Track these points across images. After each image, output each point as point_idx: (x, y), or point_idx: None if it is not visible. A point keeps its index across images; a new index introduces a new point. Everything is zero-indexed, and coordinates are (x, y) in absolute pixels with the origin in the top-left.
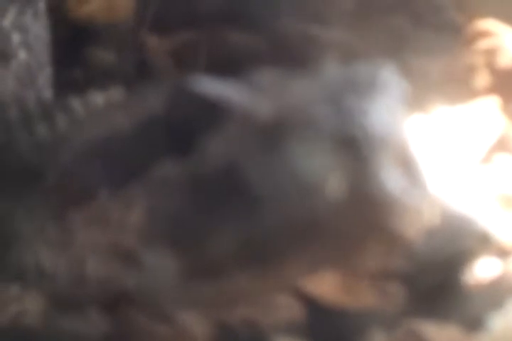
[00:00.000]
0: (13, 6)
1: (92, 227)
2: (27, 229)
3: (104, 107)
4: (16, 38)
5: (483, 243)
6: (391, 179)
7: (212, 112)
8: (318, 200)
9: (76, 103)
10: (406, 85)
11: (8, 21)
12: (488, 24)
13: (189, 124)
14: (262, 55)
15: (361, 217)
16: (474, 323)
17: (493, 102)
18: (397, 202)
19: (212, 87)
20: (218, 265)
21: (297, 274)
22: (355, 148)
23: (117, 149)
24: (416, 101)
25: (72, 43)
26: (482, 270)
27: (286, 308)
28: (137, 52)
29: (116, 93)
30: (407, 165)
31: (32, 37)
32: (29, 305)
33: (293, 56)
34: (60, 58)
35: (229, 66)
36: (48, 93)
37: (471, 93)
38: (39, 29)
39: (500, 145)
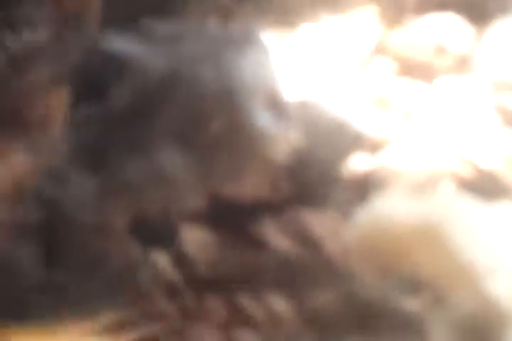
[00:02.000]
0: None
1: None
2: None
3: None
4: None
5: (357, 141)
6: (262, 118)
7: (119, 66)
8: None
9: (10, 41)
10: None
11: None
12: None
13: (101, 75)
14: None
15: (240, 148)
16: (346, 212)
17: (371, 10)
18: (267, 134)
19: (119, 44)
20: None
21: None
22: (231, 96)
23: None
24: (303, 7)
25: None
26: (355, 164)
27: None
28: None
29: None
30: (275, 105)
31: None
32: None
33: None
34: None
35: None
36: None
37: (352, 3)
38: None
39: (378, 50)
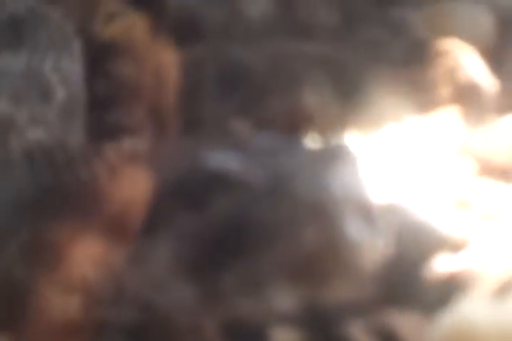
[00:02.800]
0: (52, 51)
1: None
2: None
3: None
4: (55, 80)
5: (441, 242)
6: (353, 228)
7: (220, 181)
8: (301, 246)
9: (110, 150)
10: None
11: (48, 65)
12: (450, 42)
13: (201, 189)
14: (260, 72)
15: (332, 256)
16: (431, 314)
17: (454, 112)
18: (357, 244)
19: (220, 161)
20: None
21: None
22: (326, 207)
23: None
24: (389, 107)
25: (94, 59)
26: (439, 266)
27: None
28: (153, 67)
29: (142, 143)
30: (365, 214)
31: (69, 78)
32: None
33: (286, 73)
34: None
35: (232, 80)
36: (81, 135)
37: (436, 103)
38: (75, 70)
39: (461, 151)
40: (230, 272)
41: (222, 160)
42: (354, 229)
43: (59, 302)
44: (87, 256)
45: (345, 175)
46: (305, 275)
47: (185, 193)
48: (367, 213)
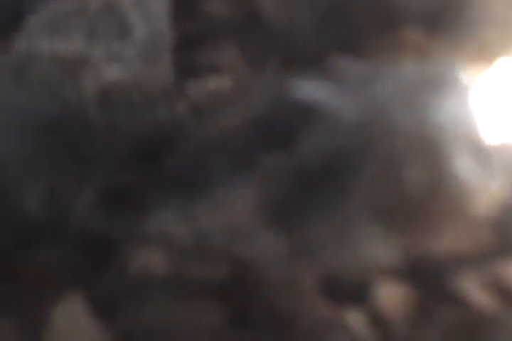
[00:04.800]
0: None
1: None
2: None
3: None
4: (135, 16)
5: None
6: (465, 167)
7: (309, 114)
8: (406, 187)
9: (194, 90)
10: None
11: (128, 0)
12: None
13: (289, 124)
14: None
15: (440, 200)
16: None
17: None
18: (469, 185)
19: (307, 90)
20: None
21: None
22: (431, 144)
23: (231, 142)
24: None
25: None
26: None
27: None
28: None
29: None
30: (478, 151)
31: (152, 14)
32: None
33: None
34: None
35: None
36: (168, 73)
37: None
38: (160, 6)
39: None
40: (321, 219)
41: (312, 90)
42: (465, 168)
43: (140, 257)
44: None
45: (455, 105)
46: (408, 222)
47: (271, 129)
48: (480, 151)
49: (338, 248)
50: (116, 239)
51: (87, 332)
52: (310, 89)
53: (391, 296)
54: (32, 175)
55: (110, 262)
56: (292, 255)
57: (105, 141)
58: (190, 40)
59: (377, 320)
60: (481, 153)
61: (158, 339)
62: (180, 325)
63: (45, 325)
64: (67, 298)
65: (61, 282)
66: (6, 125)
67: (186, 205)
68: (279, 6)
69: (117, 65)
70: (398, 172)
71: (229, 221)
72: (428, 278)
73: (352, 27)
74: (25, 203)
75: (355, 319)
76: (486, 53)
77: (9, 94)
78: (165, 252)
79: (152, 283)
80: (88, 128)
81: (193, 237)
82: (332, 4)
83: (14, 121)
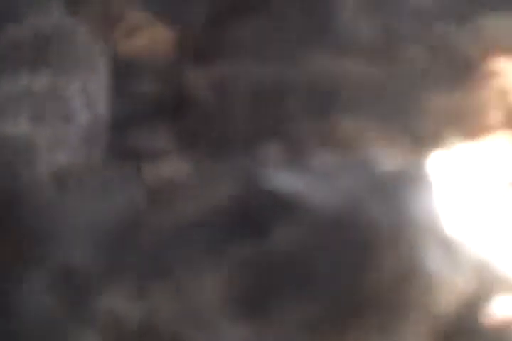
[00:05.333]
0: (79, 71)
1: (172, 293)
2: None
3: (176, 184)
4: (78, 102)
5: (501, 283)
6: (433, 259)
7: (282, 205)
8: (365, 279)
9: (151, 174)
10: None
11: (73, 87)
12: (501, 62)
13: (260, 214)
14: (296, 89)
15: (406, 294)
16: None
17: (506, 138)
18: (436, 279)
19: (279, 180)
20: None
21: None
22: (403, 235)
23: (195, 230)
24: (433, 134)
25: (118, 76)
26: (498, 309)
27: None
28: (179, 84)
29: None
30: (447, 244)
31: (95, 100)
32: None
33: (326, 92)
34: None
35: (266, 98)
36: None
37: (485, 129)
38: (101, 91)
39: None
40: (291, 310)
41: (286, 180)
42: (435, 261)
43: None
44: None
45: (424, 198)
46: (374, 319)
47: (243, 217)
48: (449, 244)
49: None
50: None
51: None
52: (281, 179)
53: None
54: None
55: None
56: None
57: (60, 223)
58: (125, 123)
59: None
60: (450, 246)
61: None
62: None
63: None
64: None
65: None
66: None
67: (143, 288)
68: (211, 89)
69: (63, 149)
70: (370, 265)
71: (186, 306)
72: None
73: (283, 112)
74: None
75: None
76: (418, 148)
77: None
78: (108, 332)
79: None
80: (43, 209)
81: (141, 319)
82: (264, 89)
83: None
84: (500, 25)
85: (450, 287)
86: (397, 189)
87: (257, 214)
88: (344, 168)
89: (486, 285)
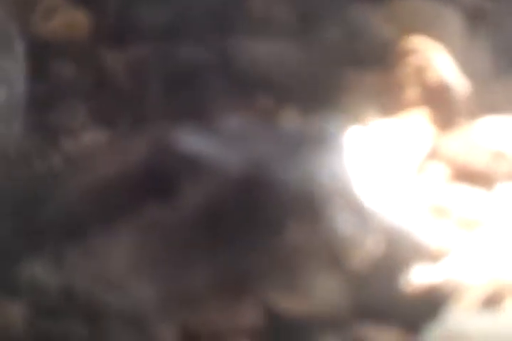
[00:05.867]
0: None
1: (87, 257)
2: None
3: (93, 151)
4: None
5: (418, 252)
6: (342, 222)
7: (190, 166)
8: (279, 241)
9: (69, 144)
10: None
11: None
12: (418, 40)
13: (169, 175)
14: (211, 70)
15: (316, 254)
16: (413, 328)
17: (423, 114)
18: (347, 240)
19: (189, 142)
20: (196, 291)
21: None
22: (312, 200)
23: (106, 192)
24: (352, 111)
25: (35, 58)
26: (418, 277)
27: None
28: (95, 66)
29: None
30: (356, 206)
31: (10, 77)
32: (14, 318)
33: (240, 72)
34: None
35: (180, 80)
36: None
37: (402, 105)
38: (17, 69)
39: (431, 155)
40: (200, 272)
41: (193, 143)
42: (344, 224)
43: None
44: None
45: (333, 162)
46: (282, 278)
47: (152, 179)
48: (358, 207)
49: (211, 301)
50: None
51: None
52: (191, 142)
53: None
54: None
55: None
56: (160, 306)
57: None
58: (43, 101)
59: None
60: (359, 209)
61: None
62: None
63: None
64: None
65: None
66: None
67: (59, 253)
68: (129, 70)
69: None
70: (278, 228)
71: (100, 269)
72: (288, 338)
73: (199, 92)
74: None
75: None
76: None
77: None
78: (28, 301)
79: (9, 337)
80: None
81: (60, 285)
82: (179, 69)
83: None
84: (416, 6)
85: (359, 250)
86: (304, 151)
87: (166, 176)
88: (256, 132)
89: (399, 251)
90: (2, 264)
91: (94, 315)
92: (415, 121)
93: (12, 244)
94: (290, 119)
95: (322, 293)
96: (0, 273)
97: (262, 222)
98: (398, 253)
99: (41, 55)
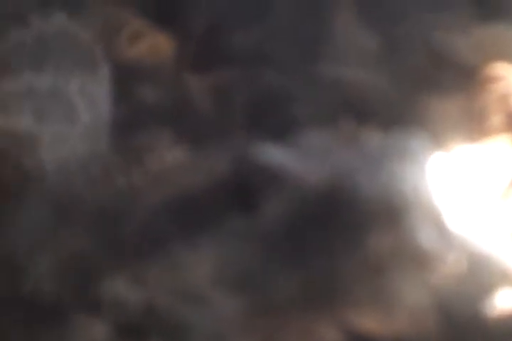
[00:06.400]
0: (78, 73)
1: (169, 272)
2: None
3: (175, 167)
4: (80, 102)
5: (503, 277)
6: (423, 234)
7: (272, 178)
8: (362, 252)
9: (152, 162)
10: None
11: (74, 87)
12: (502, 67)
13: (251, 187)
14: (296, 96)
15: (403, 266)
16: None
17: (506, 141)
18: (430, 252)
19: (270, 154)
20: (278, 306)
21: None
22: (394, 211)
23: (189, 206)
24: (436, 138)
25: (120, 81)
26: (502, 302)
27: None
28: (179, 90)
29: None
30: (437, 220)
31: (95, 101)
32: (96, 335)
33: (325, 98)
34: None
35: (265, 104)
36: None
37: (486, 131)
38: (102, 93)
39: None
40: (283, 285)
41: (276, 155)
42: (426, 237)
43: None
44: None
45: (415, 175)
46: (364, 291)
47: (235, 190)
48: (440, 221)
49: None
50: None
51: None
52: (274, 155)
53: None
54: None
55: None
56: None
57: (62, 208)
58: (128, 124)
59: None
60: (441, 223)
61: None
62: None
63: None
64: None
65: None
66: None
67: (141, 269)
68: (213, 94)
69: (65, 143)
70: (361, 238)
71: (182, 284)
72: None
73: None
74: None
75: None
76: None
77: None
78: (111, 318)
79: None
80: (45, 194)
81: (142, 301)
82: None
83: None
84: (499, 33)
85: (442, 264)
86: (387, 165)
87: (248, 188)
88: (338, 146)
89: (482, 273)
90: (85, 281)
91: (176, 330)
92: (499, 147)
93: (94, 260)
94: (372, 139)
95: (408, 311)
96: (83, 290)
97: (344, 232)
98: (481, 276)
99: (126, 78)
